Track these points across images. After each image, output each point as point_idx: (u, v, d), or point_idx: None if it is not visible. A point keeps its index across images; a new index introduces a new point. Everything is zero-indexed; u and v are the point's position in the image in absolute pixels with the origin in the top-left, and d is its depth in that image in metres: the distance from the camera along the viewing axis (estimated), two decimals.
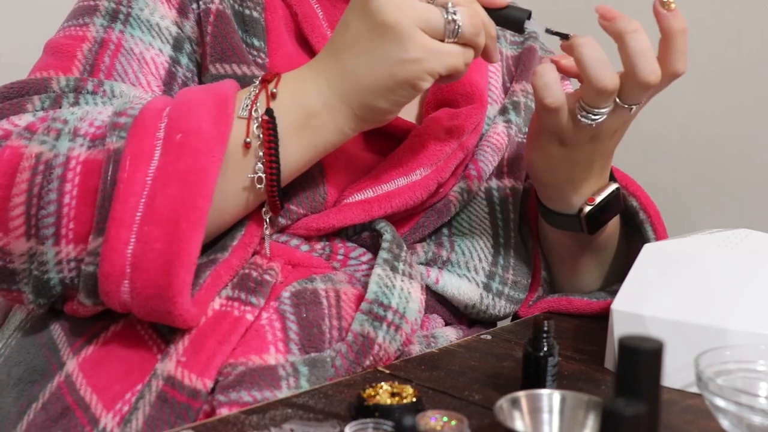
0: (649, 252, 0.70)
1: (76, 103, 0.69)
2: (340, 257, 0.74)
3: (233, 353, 0.63)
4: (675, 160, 1.34)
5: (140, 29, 0.73)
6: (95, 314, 0.68)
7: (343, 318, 0.68)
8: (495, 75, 0.89)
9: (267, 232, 0.70)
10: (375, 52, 0.63)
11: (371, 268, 0.71)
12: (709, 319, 0.62)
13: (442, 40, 0.63)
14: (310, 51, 0.78)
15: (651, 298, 0.66)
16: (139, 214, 0.60)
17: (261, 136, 0.64)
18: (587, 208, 0.77)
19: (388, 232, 0.72)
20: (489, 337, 0.75)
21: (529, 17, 0.70)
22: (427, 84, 0.64)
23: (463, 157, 0.80)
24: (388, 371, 0.66)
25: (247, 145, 0.64)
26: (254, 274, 0.67)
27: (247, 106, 0.65)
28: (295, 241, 0.72)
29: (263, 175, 0.65)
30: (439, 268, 0.78)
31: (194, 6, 0.75)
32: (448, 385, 0.63)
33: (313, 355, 0.65)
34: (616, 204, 0.79)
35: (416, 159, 0.75)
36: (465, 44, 0.65)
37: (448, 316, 0.80)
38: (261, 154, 0.64)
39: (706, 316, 0.62)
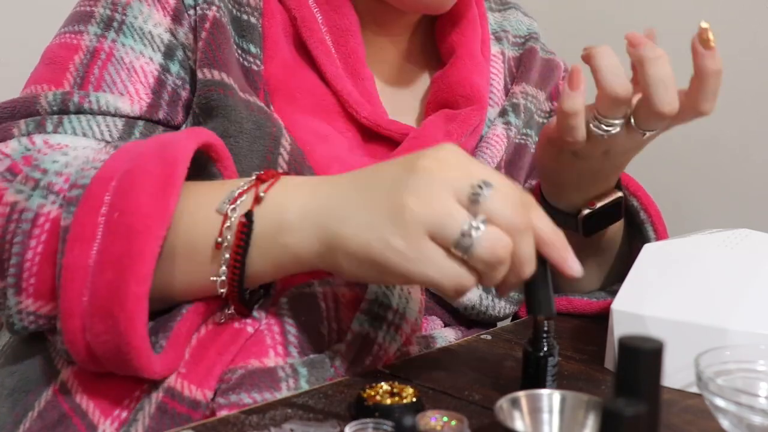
0: (649, 252, 0.70)
1: (59, 125, 0.69)
2: None
3: (233, 360, 0.63)
4: (675, 160, 1.34)
5: (132, 38, 0.72)
6: None
7: (341, 320, 0.68)
8: (497, 77, 0.89)
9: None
10: (372, 220, 0.55)
11: None
12: (709, 319, 0.62)
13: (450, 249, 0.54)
14: (308, 57, 0.77)
15: (651, 298, 0.65)
16: (85, 300, 0.57)
17: (231, 238, 0.59)
18: (585, 211, 0.77)
19: None
20: (489, 337, 0.75)
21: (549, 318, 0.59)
22: (396, 282, 0.57)
23: None
24: (388, 371, 0.66)
25: (217, 245, 0.60)
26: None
27: (228, 200, 0.60)
28: None
29: (224, 280, 0.61)
30: None
31: (191, 12, 0.73)
32: (448, 385, 0.63)
33: (312, 356, 0.65)
34: (616, 212, 0.79)
35: None
36: (472, 268, 0.54)
37: (446, 317, 0.79)
38: (227, 256, 0.60)
39: (706, 316, 0.62)
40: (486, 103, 0.83)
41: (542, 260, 0.59)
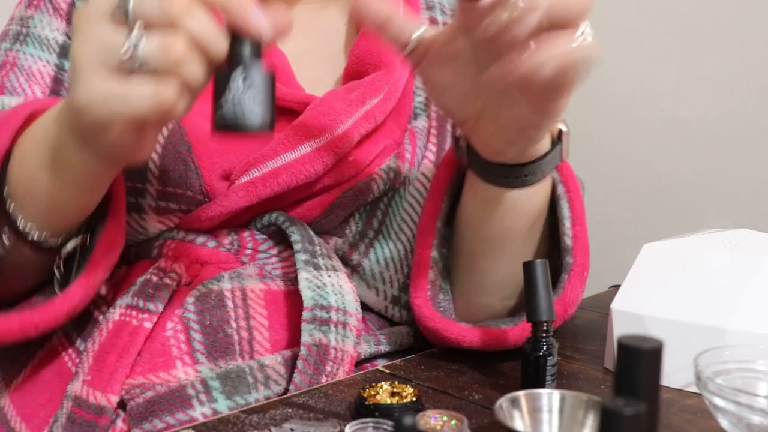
0: (649, 252, 0.70)
1: None
2: (248, 251, 0.72)
3: (140, 370, 0.63)
4: (675, 160, 1.34)
5: (33, 46, 0.75)
6: (25, 343, 0.69)
7: (251, 317, 0.67)
8: None
9: None
10: (70, 90, 0.53)
11: (280, 260, 0.71)
12: (709, 319, 0.62)
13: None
14: None
15: (650, 298, 0.66)
16: None
17: None
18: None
19: (295, 233, 0.70)
20: None
21: None
22: (120, 128, 0.52)
23: (373, 128, 0.74)
24: (388, 371, 0.66)
25: None
26: (154, 279, 0.67)
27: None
28: (201, 239, 0.72)
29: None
30: (351, 269, 0.74)
31: None
32: (448, 384, 0.63)
33: (230, 366, 0.64)
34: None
35: (306, 133, 0.71)
36: (163, 77, 0.50)
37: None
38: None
39: (705, 316, 0.63)
40: (395, 66, 0.77)
41: (542, 262, 0.59)
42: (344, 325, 0.65)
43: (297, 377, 0.63)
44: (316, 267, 0.68)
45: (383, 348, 0.72)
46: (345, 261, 0.74)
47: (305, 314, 0.65)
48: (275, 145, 0.71)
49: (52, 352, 0.69)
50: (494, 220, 0.67)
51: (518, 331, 0.66)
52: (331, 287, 0.67)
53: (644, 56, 1.36)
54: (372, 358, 0.72)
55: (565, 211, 0.68)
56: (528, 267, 0.59)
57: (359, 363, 0.70)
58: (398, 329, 0.75)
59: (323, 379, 0.63)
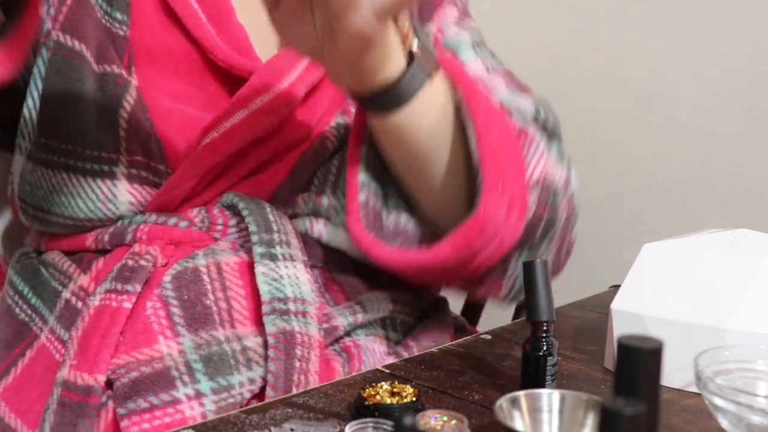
0: (649, 252, 0.70)
1: None
2: (219, 227, 0.73)
3: (124, 349, 0.65)
4: (676, 159, 1.34)
5: None
6: (12, 342, 0.70)
7: (227, 288, 0.69)
8: None
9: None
10: None
11: (249, 234, 0.71)
12: (709, 319, 0.62)
13: None
14: (176, 19, 0.76)
15: (650, 298, 0.66)
16: None
17: None
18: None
19: (252, 223, 0.71)
20: (489, 336, 0.75)
21: None
22: None
23: (318, 82, 0.76)
24: (388, 371, 0.66)
25: None
26: (130, 263, 0.69)
27: None
28: (173, 220, 0.73)
29: None
30: (325, 218, 0.75)
31: None
32: (448, 384, 0.63)
33: (213, 348, 0.65)
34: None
35: (255, 92, 0.73)
36: None
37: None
38: None
39: (705, 316, 0.63)
40: None
41: (542, 262, 0.59)
42: (304, 313, 0.67)
43: (272, 365, 0.64)
44: (273, 258, 0.69)
45: (361, 317, 0.73)
46: (317, 212, 0.75)
47: (264, 308, 0.66)
48: (229, 107, 0.73)
49: (41, 348, 0.70)
50: (390, 146, 0.69)
51: (433, 255, 0.66)
52: (287, 279, 0.68)
53: (644, 56, 1.37)
54: (353, 330, 0.73)
55: (469, 130, 0.66)
56: (528, 267, 0.59)
57: (341, 338, 0.72)
58: (374, 295, 0.76)
59: (297, 364, 0.64)
